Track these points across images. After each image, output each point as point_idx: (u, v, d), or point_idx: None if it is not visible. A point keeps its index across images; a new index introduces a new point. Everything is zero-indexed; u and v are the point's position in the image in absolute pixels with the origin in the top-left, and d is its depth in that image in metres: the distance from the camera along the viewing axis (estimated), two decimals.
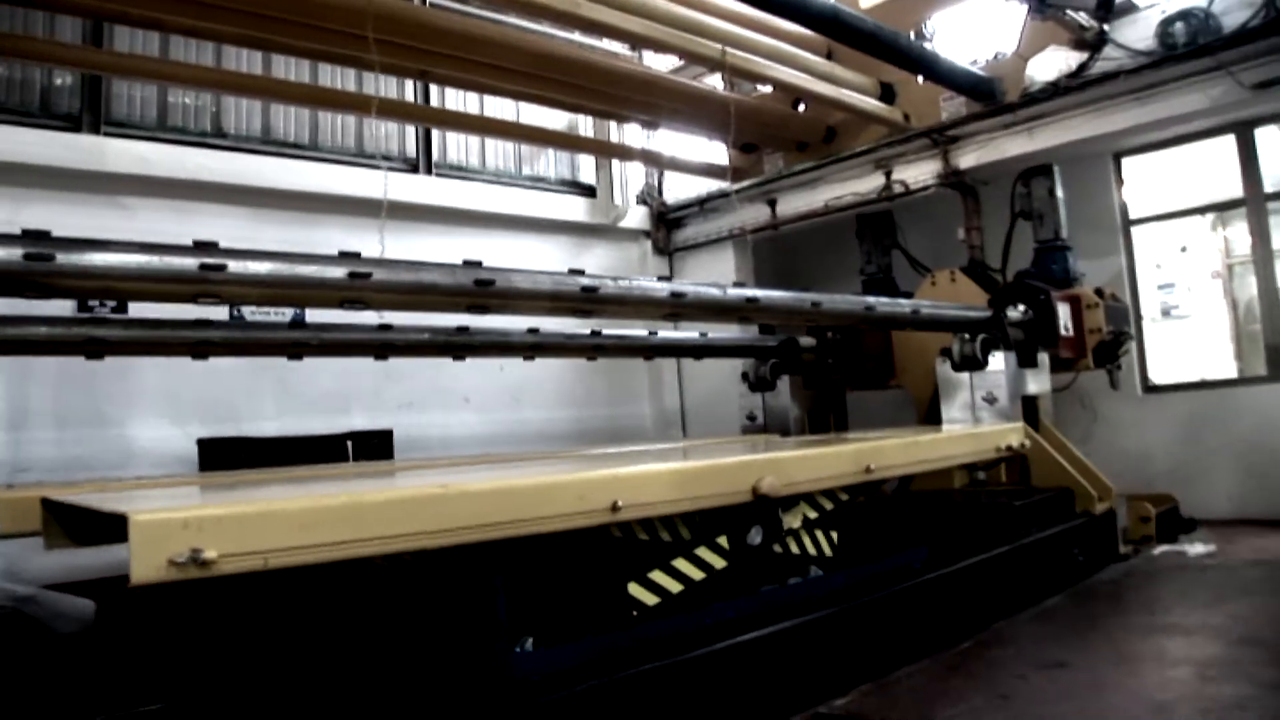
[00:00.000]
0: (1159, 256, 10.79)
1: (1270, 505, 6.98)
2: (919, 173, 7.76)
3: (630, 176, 9.80)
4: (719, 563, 3.52)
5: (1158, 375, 8.10)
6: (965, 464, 4.87)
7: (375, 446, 7.73)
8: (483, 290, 3.77)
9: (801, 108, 8.10)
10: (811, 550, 4.00)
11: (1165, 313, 10.29)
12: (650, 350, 6.84)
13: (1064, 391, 7.63)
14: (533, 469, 3.73)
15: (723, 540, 3.54)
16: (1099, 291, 7.02)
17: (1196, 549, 6.16)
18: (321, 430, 7.74)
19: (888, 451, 4.05)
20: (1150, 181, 8.32)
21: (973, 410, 5.98)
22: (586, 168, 9.81)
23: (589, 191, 9.75)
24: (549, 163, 9.63)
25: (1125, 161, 8.06)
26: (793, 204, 8.69)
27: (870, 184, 8.08)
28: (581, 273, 4.16)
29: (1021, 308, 6.67)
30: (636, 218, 9.94)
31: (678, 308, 4.45)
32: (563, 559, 3.05)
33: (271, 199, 7.73)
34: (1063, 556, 5.32)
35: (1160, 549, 6.28)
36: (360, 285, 3.51)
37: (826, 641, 3.63)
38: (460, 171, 8.91)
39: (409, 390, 8.31)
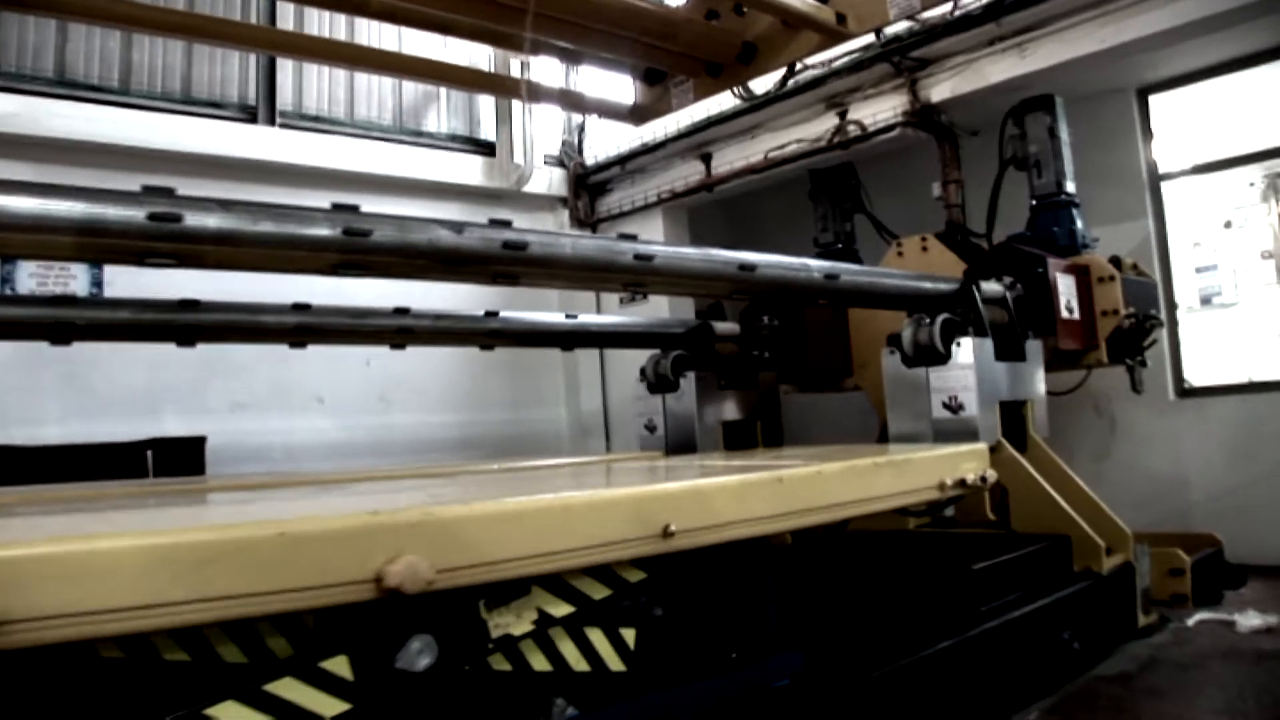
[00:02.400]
0: (1198, 233, 9.10)
1: None
2: (880, 110, 5.97)
3: (542, 131, 8.05)
4: (330, 708, 1.81)
5: (1196, 375, 6.26)
6: (881, 511, 3.10)
7: (182, 457, 6.11)
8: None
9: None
10: (579, 663, 2.28)
11: (1206, 300, 8.71)
12: (539, 337, 5.14)
13: (1070, 395, 5.84)
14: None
15: (338, 665, 1.84)
16: (1115, 261, 5.22)
17: (1250, 619, 4.35)
18: (124, 436, 6.14)
19: (713, 499, 2.35)
20: (1186, 127, 6.48)
21: (930, 421, 4.21)
22: (489, 122, 8.07)
23: (489, 150, 8.01)
24: (440, 114, 7.91)
25: (1154, 101, 6.22)
26: (729, 158, 6.92)
27: (820, 127, 6.29)
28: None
29: (1007, 280, 4.90)
30: (550, 181, 8.18)
31: (514, 265, 2.81)
32: None
33: (65, 153, 6.11)
34: (1047, 642, 3.54)
35: (1197, 617, 4.48)
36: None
37: None
38: (316, 122, 7.22)
39: (242, 388, 6.69)
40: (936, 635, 3.06)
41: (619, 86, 7.17)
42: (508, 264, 2.85)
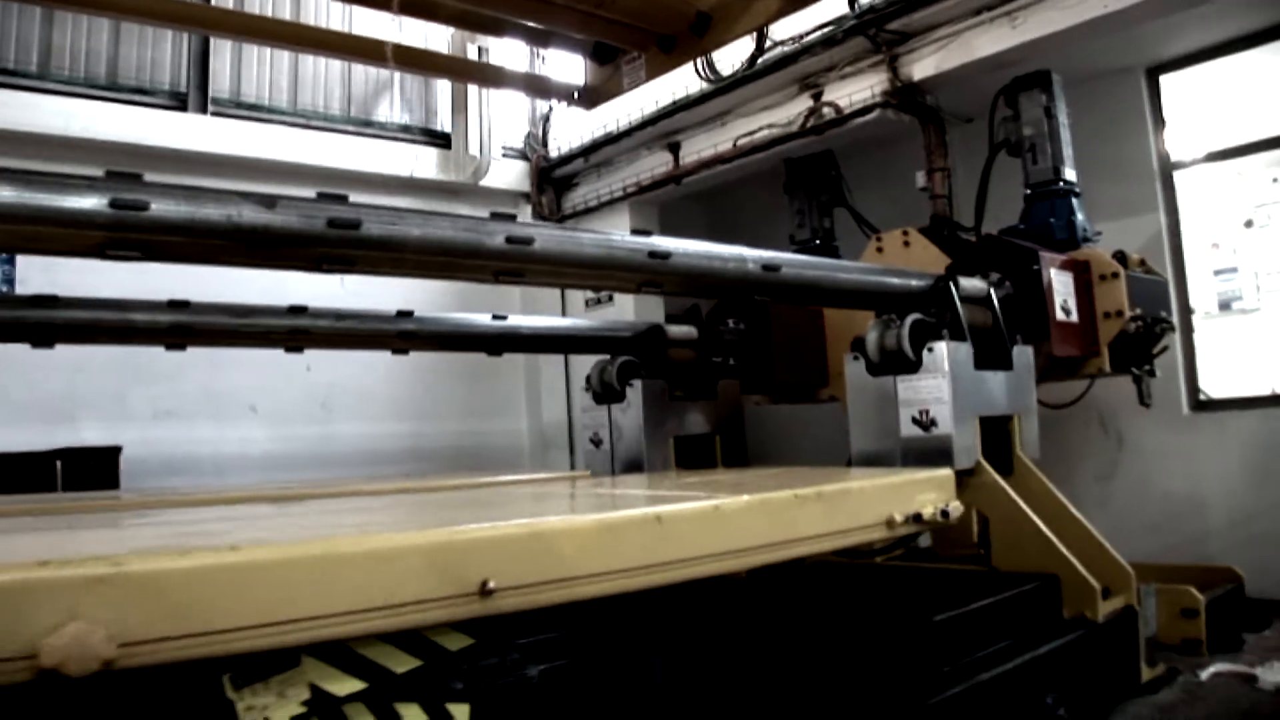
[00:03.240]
0: (1217, 233, 8.46)
1: None
2: (857, 90, 5.37)
3: (503, 121, 7.48)
4: None
5: (1213, 386, 5.62)
6: (812, 554, 2.49)
7: (94, 469, 5.58)
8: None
9: None
10: None
11: (1224, 305, 8.09)
12: (461, 340, 4.57)
13: (1072, 407, 5.22)
14: None
15: None
16: (1121, 256, 4.61)
17: (1274, 674, 3.72)
18: (38, 446, 5.64)
19: (557, 547, 1.79)
20: (1201, 112, 5.86)
21: (898, 439, 3.61)
22: (448, 112, 7.51)
23: (445, 141, 7.45)
24: (393, 103, 7.37)
25: (1165, 81, 5.61)
26: (698, 147, 6.34)
27: (793, 111, 5.71)
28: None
29: (994, 277, 4.30)
30: (511, 175, 7.60)
31: (346, 247, 2.26)
32: None
33: None
34: (1026, 710, 2.93)
35: (1212, 669, 3.84)
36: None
37: None
38: (253, 110, 6.69)
39: (168, 394, 6.17)
40: (883, 707, 2.46)
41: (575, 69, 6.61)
42: (338, 246, 2.29)
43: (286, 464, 6.42)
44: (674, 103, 6.25)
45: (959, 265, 4.43)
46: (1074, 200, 4.78)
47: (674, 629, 2.30)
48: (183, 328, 3.83)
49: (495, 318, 4.48)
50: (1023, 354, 4.01)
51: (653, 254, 2.77)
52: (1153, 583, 3.83)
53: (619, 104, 6.28)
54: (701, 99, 6.08)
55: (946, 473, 2.78)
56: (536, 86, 6.67)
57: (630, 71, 5.27)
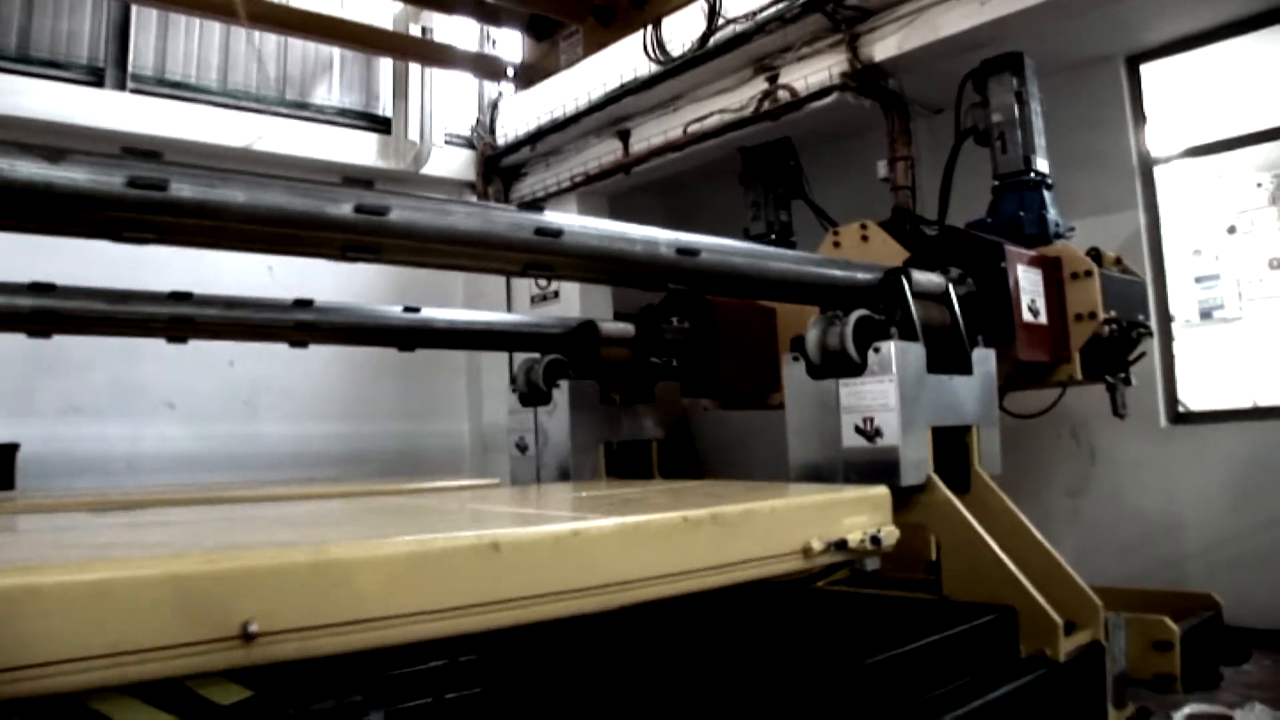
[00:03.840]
0: (1198, 240, 8.15)
1: None
2: (814, 72, 4.99)
3: (448, 106, 7.05)
4: None
5: (1193, 398, 5.27)
6: (701, 590, 2.08)
7: None
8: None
9: None
10: None
11: (1206, 314, 7.79)
12: (366, 334, 4.14)
13: (1042, 417, 4.85)
14: None
15: None
16: (1095, 254, 4.25)
17: (1254, 715, 3.34)
18: None
19: (350, 581, 1.39)
20: (1182, 105, 5.53)
21: (839, 450, 3.22)
22: (390, 95, 7.08)
23: (387, 127, 7.02)
24: (333, 85, 6.93)
25: (1146, 71, 5.26)
26: (648, 133, 5.95)
27: (746, 94, 5.32)
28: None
29: (954, 273, 3.92)
30: (456, 163, 7.17)
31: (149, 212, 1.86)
32: None
33: None
34: None
35: (1187, 710, 3.49)
36: None
37: None
38: (177, 89, 6.24)
39: (78, 389, 5.74)
40: None
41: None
42: (140, 210, 1.89)
43: (207, 465, 5.98)
44: (622, 86, 5.85)
45: (917, 260, 4.05)
46: (1045, 193, 4.42)
47: (537, 666, 1.90)
48: (44, 313, 3.40)
49: (406, 310, 4.07)
50: (984, 358, 3.62)
51: (540, 231, 2.37)
52: (1122, 613, 3.45)
53: (567, 89, 5.90)
54: (651, 81, 5.68)
55: (880, 491, 2.39)
56: (472, 64, 6.26)
57: (568, 48, 4.89)
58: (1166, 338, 5.15)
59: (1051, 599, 3.10)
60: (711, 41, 5.28)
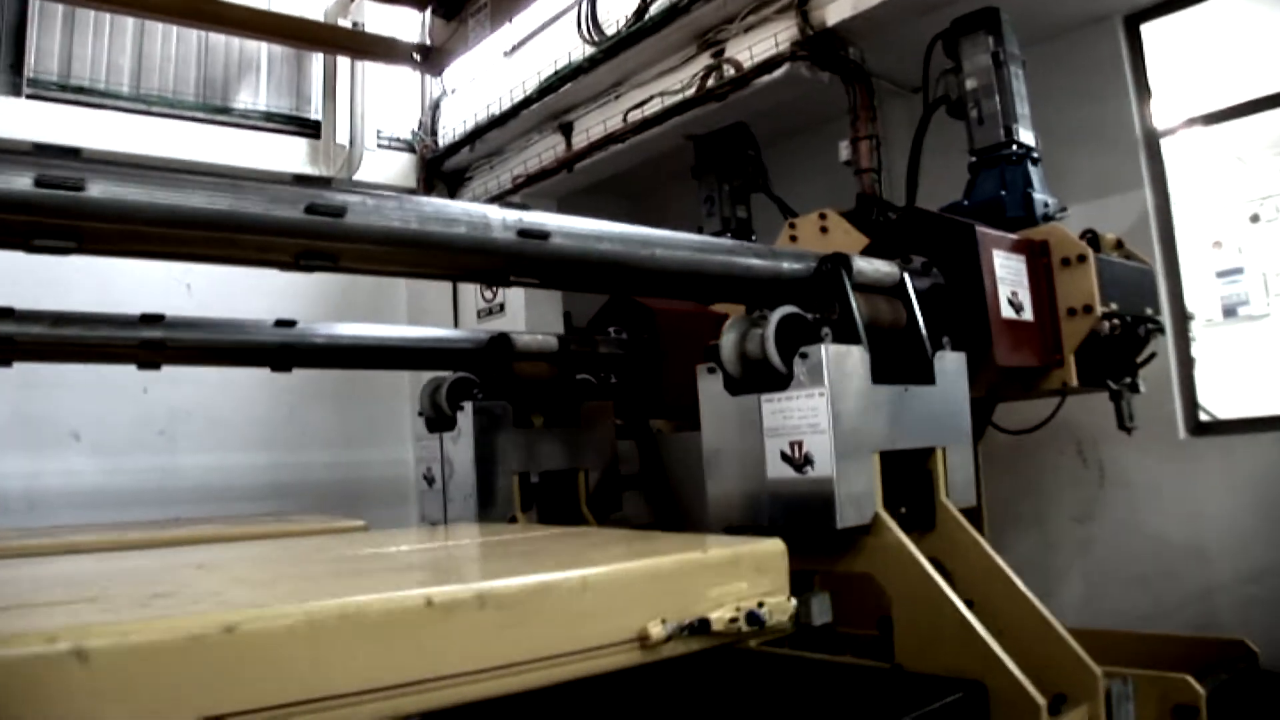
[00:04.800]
0: (1219, 231, 7.49)
1: None
2: (762, 41, 4.37)
3: (383, 107, 6.49)
4: None
5: (1217, 405, 4.57)
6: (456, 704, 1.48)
7: None
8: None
9: None
10: None
11: (1230, 311, 7.11)
12: (230, 353, 3.55)
13: (1040, 431, 4.17)
14: None
15: None
16: (1090, 237, 3.58)
17: None
18: None
19: None
20: (1189, 71, 4.87)
21: (764, 482, 2.58)
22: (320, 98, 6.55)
23: (315, 130, 6.48)
24: (259, 88, 6.39)
25: (1147, 31, 4.61)
26: (589, 125, 5.35)
27: (689, 72, 4.71)
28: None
29: (918, 261, 3.29)
30: (394, 168, 6.60)
31: None
32: None
33: None
34: None
35: None
36: None
37: None
38: (81, 94, 5.73)
39: None
40: None
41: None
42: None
43: (117, 500, 5.45)
44: (556, 72, 5.28)
45: (876, 249, 3.41)
46: (1031, 168, 3.77)
47: None
48: None
49: (279, 324, 3.48)
50: (952, 364, 2.96)
51: (314, 208, 1.77)
52: (1130, 674, 2.77)
53: (505, 83, 5.33)
54: (589, 65, 5.09)
55: (771, 547, 1.74)
56: (369, 47, 5.66)
57: (477, 24, 4.32)
58: (1183, 335, 4.46)
59: (1035, 666, 2.43)
60: (649, 15, 4.69)
